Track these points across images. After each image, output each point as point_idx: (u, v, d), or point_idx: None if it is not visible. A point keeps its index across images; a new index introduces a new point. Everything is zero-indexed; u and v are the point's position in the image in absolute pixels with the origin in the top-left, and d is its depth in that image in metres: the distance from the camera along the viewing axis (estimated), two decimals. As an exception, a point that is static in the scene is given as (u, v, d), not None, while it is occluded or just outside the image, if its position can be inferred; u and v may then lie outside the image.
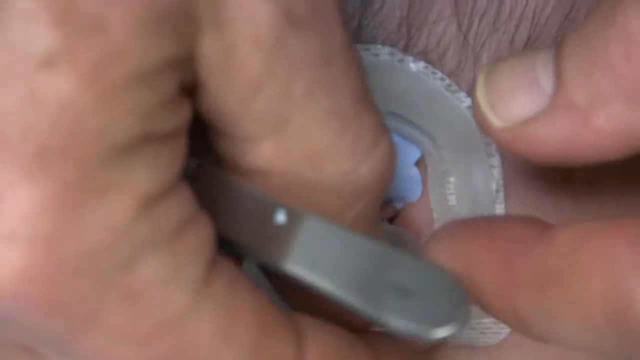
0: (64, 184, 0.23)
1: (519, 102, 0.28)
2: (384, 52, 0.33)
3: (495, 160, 0.34)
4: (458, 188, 0.34)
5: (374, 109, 0.28)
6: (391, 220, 0.35)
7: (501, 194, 0.34)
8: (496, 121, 0.28)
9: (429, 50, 0.34)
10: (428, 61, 0.34)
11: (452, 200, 0.34)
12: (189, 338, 0.25)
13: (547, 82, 0.28)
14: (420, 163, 0.34)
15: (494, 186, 0.34)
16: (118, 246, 0.24)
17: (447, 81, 0.33)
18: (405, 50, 0.34)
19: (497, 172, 0.34)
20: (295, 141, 0.26)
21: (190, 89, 0.26)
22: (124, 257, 0.24)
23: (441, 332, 0.25)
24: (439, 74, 0.33)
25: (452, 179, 0.34)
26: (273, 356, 0.26)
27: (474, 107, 0.29)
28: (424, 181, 0.34)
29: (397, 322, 0.26)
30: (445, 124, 0.33)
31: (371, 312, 0.26)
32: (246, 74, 0.25)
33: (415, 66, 0.33)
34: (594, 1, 0.35)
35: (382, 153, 0.28)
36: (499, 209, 0.34)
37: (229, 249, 0.27)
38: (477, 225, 0.29)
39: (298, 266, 0.27)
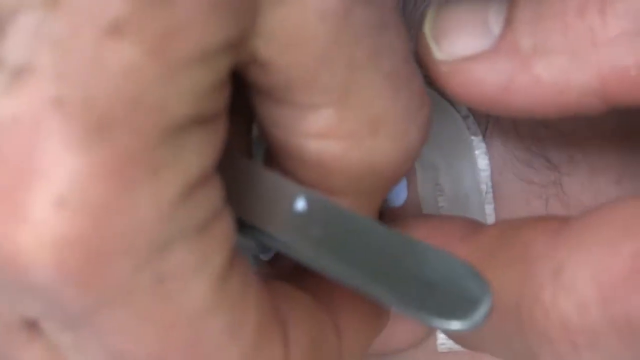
0: (120, 155, 0.22)
1: (463, 38, 0.28)
2: None
3: (484, 163, 0.33)
4: (447, 190, 0.33)
5: (418, 71, 0.28)
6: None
7: (490, 195, 0.34)
8: (438, 53, 0.28)
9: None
10: (419, 64, 0.33)
11: (442, 201, 0.34)
12: (202, 330, 0.25)
13: (495, 25, 0.28)
14: (407, 168, 0.33)
15: (483, 187, 0.33)
16: (158, 228, 0.23)
17: (438, 84, 0.33)
18: None
19: (485, 175, 0.33)
20: (357, 107, 0.26)
21: (238, 69, 0.25)
22: (161, 241, 0.23)
23: (460, 325, 0.25)
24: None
25: (441, 181, 0.33)
26: (267, 355, 0.26)
27: (419, 40, 0.29)
28: (412, 184, 0.33)
29: (417, 312, 0.26)
30: (435, 127, 0.33)
31: (392, 301, 0.26)
32: (314, 46, 0.25)
33: None
34: None
35: (427, 114, 0.28)
36: (489, 210, 0.34)
37: (247, 234, 0.27)
38: (428, 218, 0.30)
39: (317, 254, 0.26)
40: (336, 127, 0.26)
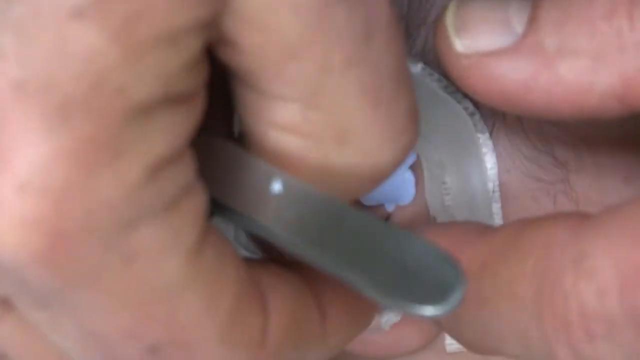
0: (83, 138, 0.22)
1: (486, 33, 0.28)
2: None
3: (491, 161, 0.33)
4: (454, 188, 0.33)
5: (410, 93, 0.27)
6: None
7: (497, 193, 0.34)
8: (459, 45, 0.28)
9: (426, 50, 0.33)
10: (425, 62, 0.33)
11: (449, 200, 0.33)
12: (176, 305, 0.25)
13: (518, 23, 0.28)
14: (414, 166, 0.33)
15: (490, 186, 0.33)
16: (124, 208, 0.23)
17: (445, 82, 0.33)
18: None
19: (492, 173, 0.33)
20: (325, 110, 0.26)
21: (212, 46, 0.25)
22: (128, 220, 0.23)
23: (434, 310, 0.25)
24: (436, 75, 0.33)
25: (448, 180, 0.33)
26: (245, 327, 0.26)
27: (439, 31, 0.29)
28: (419, 183, 0.33)
29: (390, 298, 0.26)
30: (441, 125, 0.33)
31: (365, 286, 0.26)
32: (282, 37, 0.24)
33: (413, 67, 0.33)
34: None
35: (408, 141, 0.27)
36: (496, 208, 0.34)
37: (222, 215, 0.27)
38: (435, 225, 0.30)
39: (292, 236, 0.26)
40: (300, 124, 0.26)
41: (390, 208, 0.34)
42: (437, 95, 0.33)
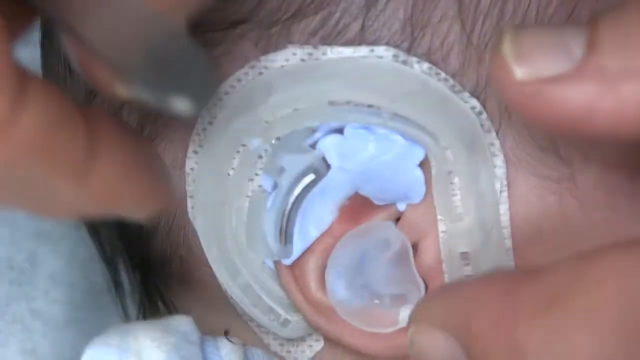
0: None
1: (545, 59, 0.28)
2: (387, 54, 0.33)
3: (499, 160, 0.34)
4: (462, 188, 0.34)
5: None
6: (396, 221, 0.35)
7: (505, 194, 0.34)
8: (519, 73, 0.28)
9: (432, 50, 0.33)
10: (432, 62, 0.33)
11: (456, 200, 0.34)
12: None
13: (577, 48, 0.27)
14: (424, 164, 0.34)
15: (497, 186, 0.34)
16: None
17: (451, 82, 0.33)
18: (409, 51, 0.33)
19: (500, 172, 0.34)
20: None
21: None
22: None
23: (180, 103, 0.26)
24: (443, 75, 0.33)
25: (456, 180, 0.34)
26: (60, 148, 0.27)
27: (495, 61, 0.28)
28: (428, 182, 0.34)
29: (137, 88, 0.26)
30: (449, 125, 0.33)
31: (121, 69, 0.26)
32: None
33: (419, 67, 0.33)
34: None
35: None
36: (503, 209, 0.34)
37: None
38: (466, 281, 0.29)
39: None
40: None
41: (401, 207, 0.34)
42: (445, 95, 0.33)
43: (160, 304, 0.41)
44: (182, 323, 0.35)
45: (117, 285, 0.45)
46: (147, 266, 0.40)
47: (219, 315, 0.38)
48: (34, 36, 0.42)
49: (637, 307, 0.25)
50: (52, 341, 0.49)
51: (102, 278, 0.46)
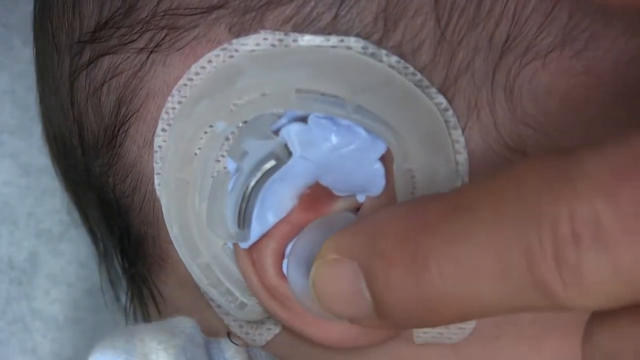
0: None
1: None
2: (357, 46, 0.33)
3: (462, 158, 0.34)
4: (421, 184, 0.34)
5: None
6: (355, 211, 0.35)
7: (466, 191, 0.34)
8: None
9: (403, 44, 0.33)
10: (401, 55, 0.33)
11: (416, 195, 0.34)
12: None
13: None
14: (385, 157, 0.34)
15: (458, 183, 0.34)
16: None
17: (419, 76, 0.33)
18: (380, 43, 0.33)
19: (462, 169, 0.34)
20: None
21: None
22: None
23: None
24: (411, 69, 0.33)
25: (416, 174, 0.34)
26: None
27: None
28: (389, 174, 0.34)
29: None
30: (411, 120, 0.33)
31: None
32: None
33: (388, 60, 0.33)
34: (576, 1, 0.34)
35: None
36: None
37: None
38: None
39: None
40: None
41: (361, 199, 0.34)
42: (411, 90, 0.33)
43: (142, 285, 0.42)
44: (187, 325, 0.36)
45: (114, 284, 0.46)
46: (128, 246, 0.41)
47: (191, 296, 0.38)
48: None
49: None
50: (52, 341, 0.49)
51: (102, 278, 0.47)
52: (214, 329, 0.37)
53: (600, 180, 0.25)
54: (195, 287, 0.37)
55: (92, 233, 0.45)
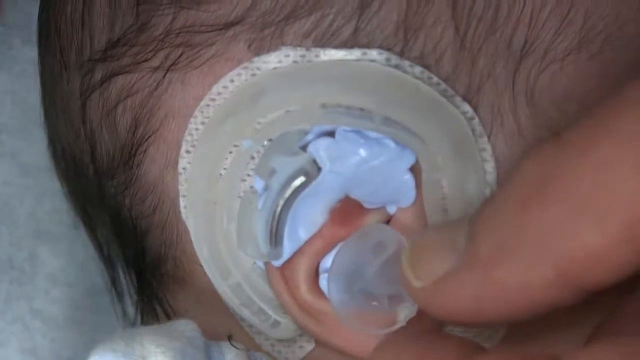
0: None
1: (436, 260, 0.28)
2: (380, 58, 0.33)
3: (490, 166, 0.34)
4: (451, 194, 0.34)
5: None
6: (386, 223, 0.35)
7: (495, 198, 0.34)
8: (415, 281, 0.29)
9: (425, 54, 0.33)
10: (424, 65, 0.33)
11: (446, 205, 0.34)
12: None
13: (462, 240, 0.28)
14: (414, 168, 0.34)
15: (487, 192, 0.34)
16: None
17: (443, 86, 0.33)
18: (402, 54, 0.33)
19: (491, 178, 0.34)
20: None
21: None
22: None
23: None
24: (435, 79, 0.33)
25: (445, 185, 0.34)
26: None
27: (400, 270, 0.30)
28: (418, 186, 0.34)
29: None
30: (439, 130, 0.33)
31: None
32: None
33: (412, 71, 0.33)
34: (592, 3, 0.34)
35: None
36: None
37: None
38: (419, 338, 0.30)
39: None
40: None
41: (391, 210, 0.34)
42: (436, 100, 0.33)
43: (156, 304, 0.41)
44: (188, 328, 0.35)
45: (115, 285, 0.46)
46: (143, 265, 0.40)
47: (214, 314, 0.38)
48: (34, 36, 0.42)
49: None
50: (52, 341, 0.49)
51: (101, 278, 0.47)
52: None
53: None
54: (217, 307, 0.37)
55: (99, 250, 0.45)
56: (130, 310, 0.46)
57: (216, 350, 0.36)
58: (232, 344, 0.36)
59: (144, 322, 0.44)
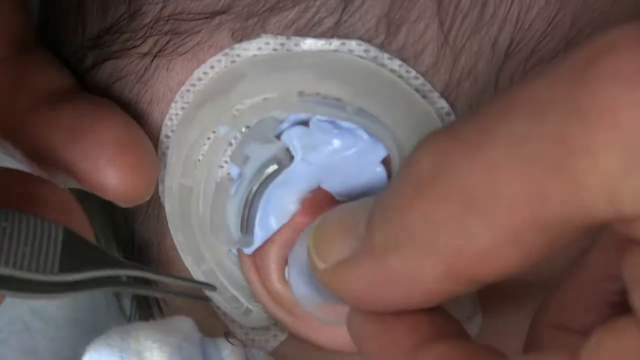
0: None
1: (337, 244, 0.29)
2: (359, 49, 0.33)
3: None
4: None
5: None
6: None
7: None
8: (319, 263, 0.29)
9: (405, 48, 0.33)
10: (403, 59, 0.33)
11: None
12: None
13: (362, 227, 0.28)
14: (387, 161, 0.34)
15: None
16: None
17: (421, 80, 0.33)
18: (382, 47, 0.33)
19: None
20: None
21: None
22: None
23: None
24: (413, 73, 0.33)
25: None
26: None
27: (308, 251, 0.30)
28: (390, 179, 0.34)
29: None
30: (410, 125, 0.33)
31: None
32: None
33: (390, 64, 0.33)
34: (581, 6, 0.34)
35: None
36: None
37: None
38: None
39: None
40: None
41: (363, 203, 0.34)
42: (410, 95, 0.33)
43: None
44: (184, 324, 0.36)
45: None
46: (133, 253, 0.40)
47: (190, 300, 0.38)
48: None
49: None
50: (52, 340, 0.50)
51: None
52: (218, 334, 0.37)
53: None
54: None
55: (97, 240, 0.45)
56: (127, 304, 0.46)
57: (212, 347, 0.36)
58: (228, 341, 0.36)
59: (138, 313, 0.44)
